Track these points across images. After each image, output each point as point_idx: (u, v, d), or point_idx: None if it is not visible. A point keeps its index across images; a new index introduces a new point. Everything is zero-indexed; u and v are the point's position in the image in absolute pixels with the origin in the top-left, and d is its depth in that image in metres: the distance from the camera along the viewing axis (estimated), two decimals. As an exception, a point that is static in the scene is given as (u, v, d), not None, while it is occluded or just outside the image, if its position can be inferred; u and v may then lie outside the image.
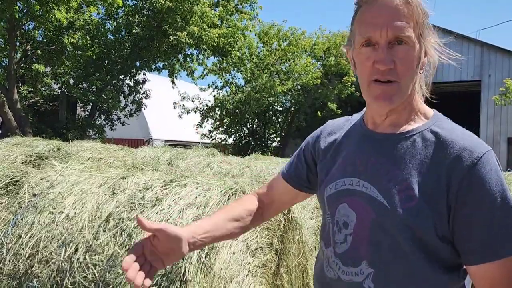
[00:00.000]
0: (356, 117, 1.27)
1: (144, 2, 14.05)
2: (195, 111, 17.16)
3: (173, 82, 15.34)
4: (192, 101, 17.01)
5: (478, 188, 0.98)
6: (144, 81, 15.50)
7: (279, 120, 18.35)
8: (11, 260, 2.27)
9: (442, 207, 1.00)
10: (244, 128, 17.83)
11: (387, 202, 1.04)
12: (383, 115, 1.12)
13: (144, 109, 16.14)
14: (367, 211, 1.07)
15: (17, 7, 10.87)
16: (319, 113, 16.02)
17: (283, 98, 17.11)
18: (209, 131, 17.46)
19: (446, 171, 1.00)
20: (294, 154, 1.40)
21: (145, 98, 15.75)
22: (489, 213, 0.98)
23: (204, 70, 16.37)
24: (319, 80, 15.88)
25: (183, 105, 16.92)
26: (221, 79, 17.21)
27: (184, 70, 15.39)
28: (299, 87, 16.72)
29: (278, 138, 18.42)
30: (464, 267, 1.06)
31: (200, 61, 15.51)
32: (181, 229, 1.13)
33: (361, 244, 1.07)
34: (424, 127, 1.09)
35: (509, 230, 0.98)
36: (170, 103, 17.25)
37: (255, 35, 17.03)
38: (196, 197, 2.33)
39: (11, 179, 2.71)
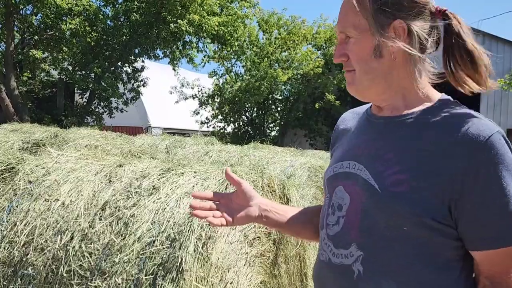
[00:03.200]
0: (369, 105, 1.27)
1: (143, -12, 13.88)
2: (193, 98, 17.08)
3: (174, 70, 15.23)
4: (192, 87, 16.92)
5: (482, 175, 0.95)
6: (142, 68, 15.38)
7: (278, 109, 18.28)
8: (6, 248, 2.24)
9: (439, 193, 0.97)
10: (243, 116, 17.77)
11: (378, 186, 1.03)
12: (376, 102, 1.15)
13: (141, 96, 16.01)
14: (359, 194, 1.07)
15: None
16: (317, 105, 15.95)
17: (283, 87, 17.04)
18: (207, 118, 17.40)
19: (446, 157, 0.97)
20: None
21: (143, 86, 15.64)
22: (493, 201, 0.96)
23: (204, 56, 16.26)
24: (320, 70, 15.78)
25: (182, 91, 16.82)
26: (222, 65, 17.12)
27: (183, 58, 15.28)
28: (299, 76, 16.63)
29: (277, 127, 18.38)
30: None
31: (201, 48, 15.38)
32: (256, 193, 1.28)
33: (352, 227, 1.07)
34: (427, 110, 1.07)
35: None
36: (169, 91, 17.17)
37: (257, 23, 16.89)
38: (193, 186, 2.30)
39: (7, 165, 2.68)
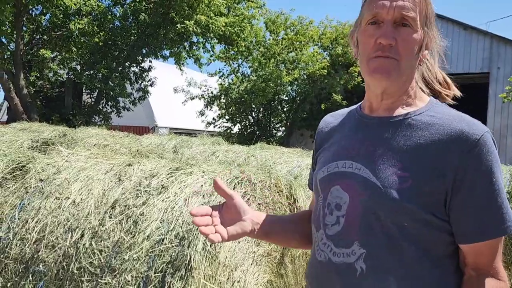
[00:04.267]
0: (355, 107, 1.30)
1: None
2: (199, 98, 17.12)
3: (180, 69, 15.28)
4: (199, 87, 16.96)
5: (474, 171, 1.01)
6: (150, 68, 15.46)
7: (285, 109, 18.28)
8: (18, 245, 2.28)
9: (438, 189, 1.02)
10: (250, 117, 17.79)
11: (380, 183, 1.05)
12: (379, 96, 1.14)
13: (149, 96, 16.09)
14: (359, 192, 1.08)
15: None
16: (323, 106, 15.92)
17: (289, 87, 17.03)
18: (213, 118, 17.43)
19: (443, 154, 1.03)
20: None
21: (151, 85, 15.72)
22: (484, 196, 1.02)
23: (211, 56, 16.28)
24: (326, 71, 15.77)
25: (189, 90, 16.84)
26: (229, 66, 17.14)
27: (190, 58, 15.34)
28: (305, 76, 16.62)
29: (283, 128, 18.38)
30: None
31: (209, 48, 15.41)
32: (248, 206, 1.20)
33: (353, 225, 1.08)
34: (420, 111, 1.12)
35: (501, 211, 1.02)
36: (174, 89, 17.20)
37: (264, 23, 16.89)
38: (202, 185, 2.33)
39: (18, 164, 2.72)
